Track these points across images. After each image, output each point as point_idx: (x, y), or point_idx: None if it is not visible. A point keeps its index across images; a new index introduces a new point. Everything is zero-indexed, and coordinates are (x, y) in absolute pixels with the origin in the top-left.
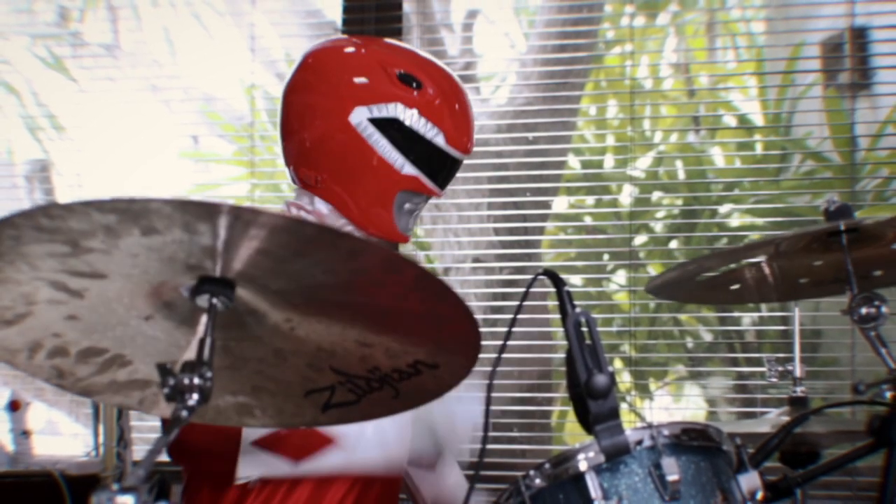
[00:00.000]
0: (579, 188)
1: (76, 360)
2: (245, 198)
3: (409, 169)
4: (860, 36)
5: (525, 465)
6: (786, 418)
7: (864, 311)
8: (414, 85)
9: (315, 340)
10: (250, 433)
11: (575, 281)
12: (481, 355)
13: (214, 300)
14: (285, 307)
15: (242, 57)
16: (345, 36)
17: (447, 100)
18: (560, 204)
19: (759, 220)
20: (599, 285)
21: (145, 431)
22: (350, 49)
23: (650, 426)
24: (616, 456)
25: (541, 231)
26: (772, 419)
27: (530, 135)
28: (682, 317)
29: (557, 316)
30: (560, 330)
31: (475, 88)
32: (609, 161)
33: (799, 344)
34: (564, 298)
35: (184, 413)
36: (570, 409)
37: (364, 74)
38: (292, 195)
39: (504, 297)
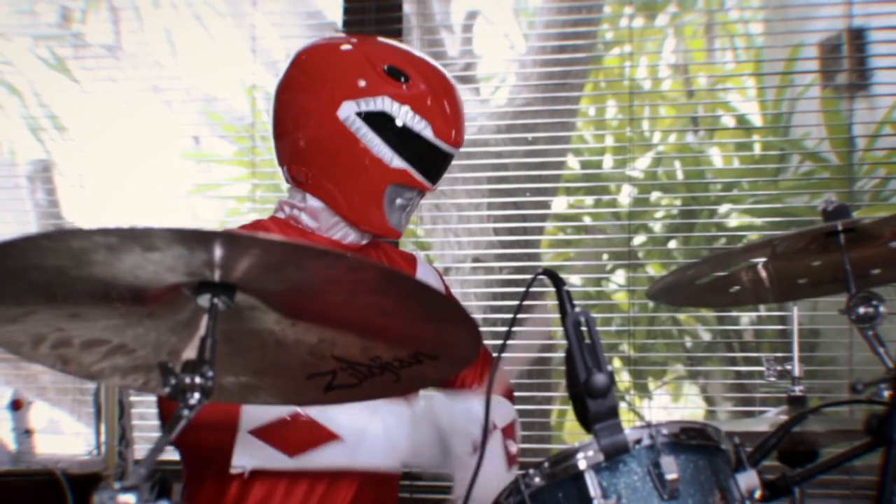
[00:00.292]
0: (578, 188)
1: (80, 349)
2: (246, 198)
3: (398, 162)
4: (858, 37)
5: (524, 464)
6: (784, 417)
7: (861, 310)
8: (402, 79)
9: (316, 333)
10: (248, 421)
11: (574, 281)
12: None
13: (215, 300)
14: (286, 309)
15: (243, 58)
16: (337, 34)
17: (435, 93)
18: (559, 204)
19: (758, 220)
20: (599, 285)
21: (147, 430)
22: (338, 46)
23: (649, 425)
24: (615, 455)
25: (540, 231)
26: (770, 418)
27: (530, 135)
28: (681, 316)
29: (557, 315)
30: (560, 329)
31: (475, 89)
32: (608, 161)
33: (797, 343)
34: (564, 298)
35: (185, 412)
36: (569, 408)
37: (351, 69)
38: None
39: (504, 296)
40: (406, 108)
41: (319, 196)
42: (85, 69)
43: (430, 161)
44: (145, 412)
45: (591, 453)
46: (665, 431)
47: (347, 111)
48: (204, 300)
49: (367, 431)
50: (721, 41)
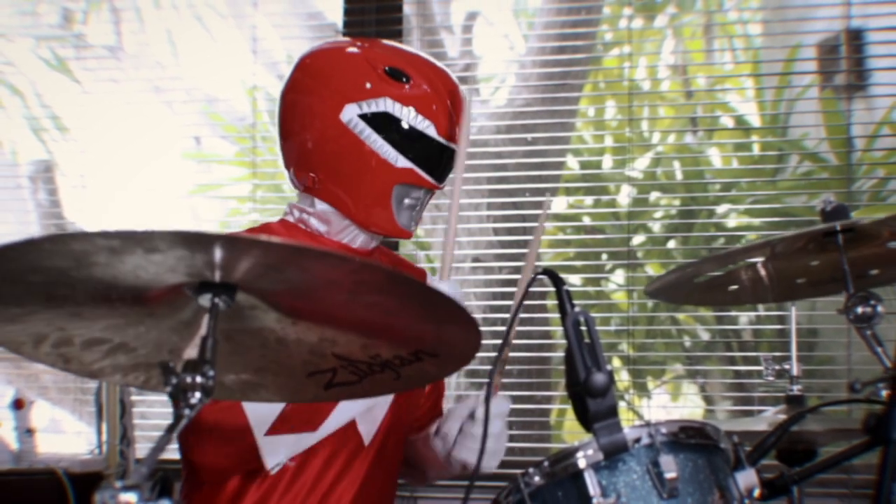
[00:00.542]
0: (578, 188)
1: (81, 348)
2: (247, 198)
3: (403, 162)
4: (856, 37)
5: (524, 463)
6: (783, 416)
7: (860, 310)
8: (403, 79)
9: (317, 332)
10: (259, 425)
11: (574, 280)
12: (481, 353)
13: (216, 300)
14: (287, 308)
15: (244, 59)
16: (341, 38)
17: (437, 92)
18: (559, 204)
19: (756, 221)
20: (598, 285)
21: (148, 429)
22: (341, 50)
23: (648, 424)
24: (614, 454)
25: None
26: (769, 417)
27: (529, 135)
28: (680, 316)
29: (557, 315)
30: (559, 329)
31: (475, 90)
32: (607, 161)
33: (796, 343)
34: (563, 298)
35: (187, 411)
36: (569, 407)
37: (352, 72)
38: (293, 195)
39: (503, 296)
40: (408, 108)
41: (327, 200)
42: (86, 70)
43: (436, 159)
44: (146, 411)
45: (590, 452)
46: (664, 430)
47: (350, 114)
48: (205, 300)
49: None
50: (720, 42)
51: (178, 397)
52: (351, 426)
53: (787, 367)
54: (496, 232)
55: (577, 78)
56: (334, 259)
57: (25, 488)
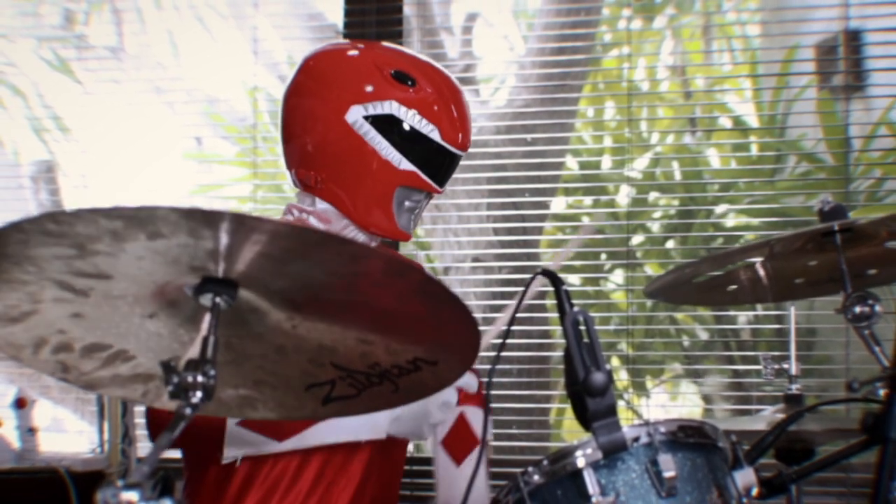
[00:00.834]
0: (577, 189)
1: (80, 355)
2: (247, 198)
3: (406, 165)
4: (854, 39)
5: (524, 462)
6: (781, 416)
7: (858, 309)
8: (409, 83)
9: (316, 338)
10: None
11: (573, 280)
12: (481, 353)
13: (217, 299)
14: (287, 307)
15: (245, 59)
16: (344, 40)
17: (442, 96)
18: (558, 204)
19: (755, 221)
20: (597, 284)
21: None
22: (346, 52)
23: (647, 423)
24: (613, 453)
25: (539, 231)
26: (767, 416)
27: (529, 136)
28: (679, 315)
29: (556, 315)
30: (558, 328)
31: (474, 90)
32: (606, 162)
33: (794, 342)
34: (563, 297)
35: (188, 410)
36: (568, 406)
37: (359, 74)
38: (294, 195)
39: (503, 296)
40: (413, 111)
41: (328, 199)
42: (88, 70)
43: (438, 163)
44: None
45: (589, 451)
46: (663, 429)
47: (355, 115)
48: (206, 299)
49: None
50: (718, 43)
51: (180, 397)
52: None
53: (785, 366)
54: (496, 232)
55: (576, 79)
56: (335, 242)
57: (27, 487)
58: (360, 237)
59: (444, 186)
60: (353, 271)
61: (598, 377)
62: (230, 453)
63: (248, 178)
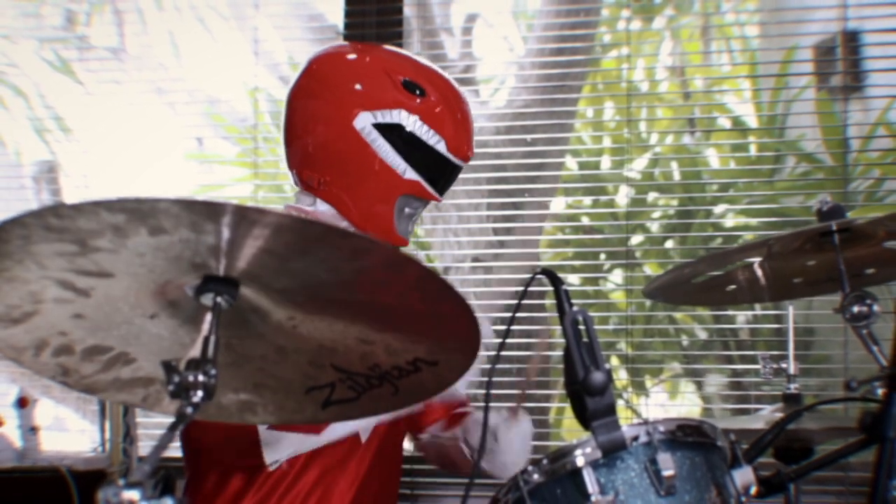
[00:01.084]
0: (577, 189)
1: (81, 357)
2: (248, 198)
3: (410, 174)
4: (852, 39)
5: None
6: (779, 415)
7: (856, 309)
8: (417, 92)
9: (317, 338)
10: None
11: (572, 280)
12: (481, 352)
13: (218, 299)
14: (288, 305)
15: (246, 60)
16: (348, 42)
17: (449, 108)
18: (558, 204)
19: (753, 221)
20: (596, 284)
21: (151, 428)
22: (354, 56)
23: (646, 422)
24: (613, 452)
25: (539, 231)
26: (766, 416)
27: (528, 136)
28: (678, 315)
29: (555, 314)
30: (558, 328)
31: (474, 91)
32: (606, 162)
33: (792, 342)
34: (562, 297)
35: (189, 410)
36: (567, 405)
37: (369, 81)
38: (294, 197)
39: (503, 295)
40: (421, 121)
41: (330, 201)
42: (89, 71)
43: (441, 173)
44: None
45: (588, 450)
46: (662, 428)
47: (364, 121)
48: (207, 299)
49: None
50: (717, 44)
51: (181, 396)
52: None
53: (783, 365)
54: (496, 232)
55: (575, 79)
56: (338, 234)
57: (29, 486)
58: None
59: (444, 195)
60: (353, 268)
61: (597, 376)
62: (271, 457)
63: (248, 179)
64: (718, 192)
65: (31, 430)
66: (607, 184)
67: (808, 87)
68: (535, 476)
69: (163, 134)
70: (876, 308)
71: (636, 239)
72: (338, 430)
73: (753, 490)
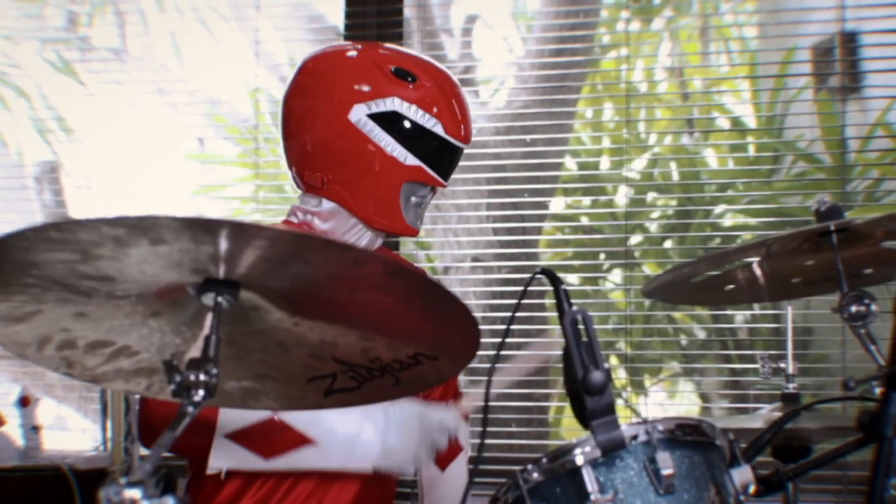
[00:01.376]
0: (576, 189)
1: (84, 351)
2: (249, 199)
3: (411, 160)
4: (850, 40)
5: (523, 460)
6: (778, 414)
7: (854, 309)
8: (409, 79)
9: (317, 334)
10: (225, 425)
11: (572, 280)
12: (481, 352)
13: (219, 299)
14: (288, 306)
15: (247, 61)
16: (342, 42)
17: (442, 91)
18: (557, 204)
19: (752, 221)
20: (596, 284)
21: None
22: (345, 52)
23: (645, 421)
24: (612, 450)
25: (538, 231)
26: (764, 415)
27: (528, 137)
28: (677, 315)
29: (555, 314)
30: (557, 327)
31: (474, 92)
32: (605, 162)
33: (791, 341)
34: (561, 297)
35: (190, 409)
36: (567, 404)
37: (360, 74)
38: (295, 196)
39: (502, 295)
40: (415, 106)
41: (335, 199)
42: (91, 72)
43: (442, 157)
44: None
45: (588, 449)
46: (661, 428)
47: (359, 114)
48: (208, 299)
49: (341, 434)
50: (716, 45)
51: (182, 395)
52: None
53: (782, 365)
54: (495, 232)
55: (575, 80)
56: (337, 248)
57: (31, 485)
58: (367, 237)
59: (448, 180)
60: (354, 274)
61: (596, 376)
62: (215, 464)
63: (249, 179)
64: (717, 193)
65: (32, 430)
66: (606, 184)
67: (807, 88)
68: (535, 475)
69: (164, 134)
70: (874, 308)
71: (635, 239)
72: (287, 462)
73: (752, 489)
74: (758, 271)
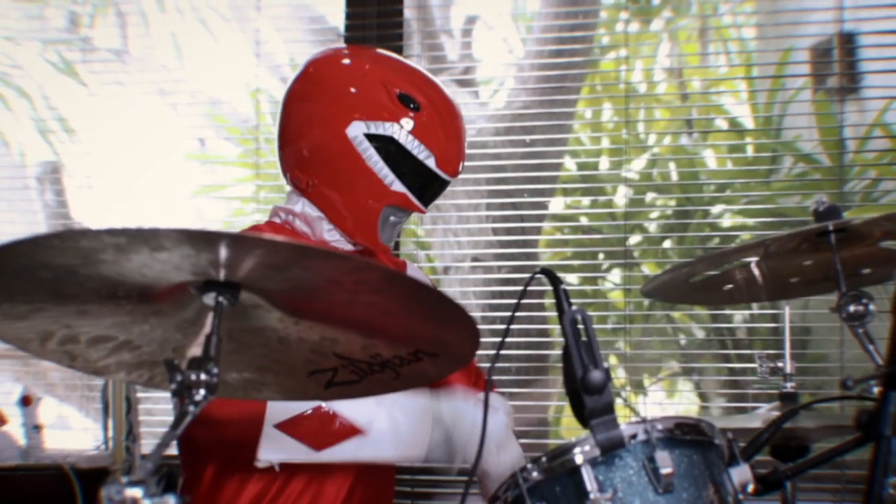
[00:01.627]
0: (575, 189)
1: (87, 345)
2: (250, 199)
3: (397, 186)
4: (848, 41)
5: None
6: (776, 413)
7: (852, 308)
8: (412, 106)
9: (318, 332)
10: (274, 415)
11: (571, 279)
12: (481, 351)
13: (220, 298)
14: (289, 307)
15: (247, 62)
16: (345, 46)
17: (442, 124)
18: (556, 204)
19: (750, 221)
20: (595, 284)
21: (154, 426)
22: (351, 61)
23: (644, 421)
24: (611, 450)
25: (538, 231)
26: (762, 414)
27: (528, 137)
28: (675, 314)
29: (554, 313)
30: (557, 327)
31: (474, 92)
32: (604, 163)
33: (789, 341)
34: (561, 296)
35: (191, 408)
36: (566, 403)
37: (365, 90)
38: None
39: (502, 295)
40: (413, 136)
41: (317, 204)
42: (93, 73)
43: (428, 187)
44: (152, 408)
45: (587, 448)
46: (660, 427)
47: (356, 130)
48: (209, 298)
49: (390, 425)
50: (714, 45)
51: (183, 394)
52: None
53: (780, 364)
54: (495, 232)
55: (574, 81)
56: (336, 259)
57: (33, 483)
58: (345, 244)
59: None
60: (353, 279)
61: (595, 375)
62: (265, 456)
63: (250, 179)
64: (716, 193)
65: (34, 429)
66: (606, 184)
67: (805, 89)
68: (535, 474)
69: (165, 135)
70: (872, 307)
71: (634, 239)
72: (338, 453)
73: (750, 488)
74: (756, 271)
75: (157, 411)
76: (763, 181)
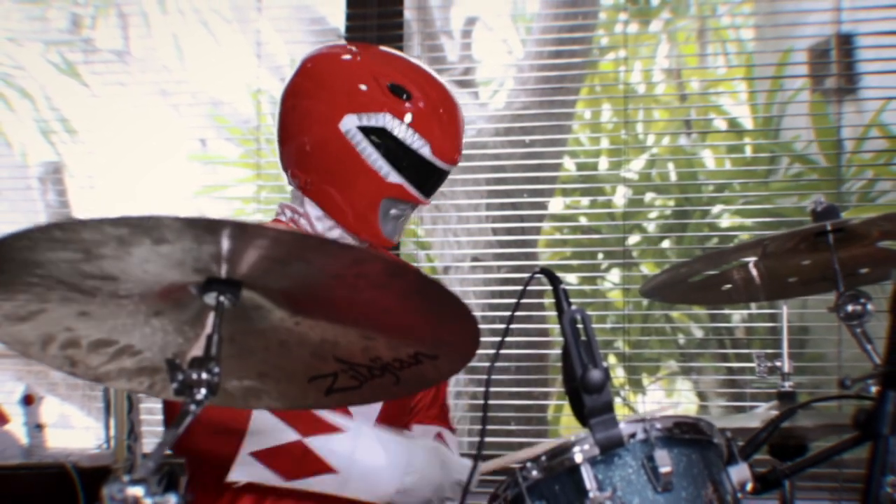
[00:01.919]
0: (574, 189)
1: (87, 350)
2: (251, 199)
3: (394, 177)
4: (846, 42)
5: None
6: (774, 412)
7: (850, 308)
8: (404, 96)
9: (319, 333)
10: (252, 443)
11: (570, 279)
12: (480, 351)
13: (221, 298)
14: (290, 306)
15: (249, 62)
16: (343, 43)
17: (436, 111)
18: (556, 205)
19: (749, 221)
20: (594, 283)
21: (155, 425)
22: (346, 56)
23: (643, 420)
24: (610, 448)
25: (537, 231)
26: (761, 413)
27: (527, 138)
28: (674, 314)
29: (554, 313)
30: (556, 327)
31: (474, 93)
32: (603, 163)
33: (787, 340)
34: (560, 296)
35: (192, 407)
36: (565, 402)
37: (356, 83)
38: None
39: (502, 294)
40: (406, 126)
41: (317, 202)
42: (95, 74)
43: (426, 177)
44: (153, 407)
45: (586, 447)
46: (659, 426)
47: (349, 124)
48: (210, 298)
49: (362, 466)
50: (713, 46)
51: (184, 393)
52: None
53: (778, 363)
54: (495, 232)
55: (573, 81)
56: (336, 248)
57: (35, 482)
58: (349, 240)
59: (431, 197)
60: (353, 273)
61: (595, 374)
62: (235, 476)
63: (251, 179)
64: (714, 193)
65: (36, 428)
66: (605, 184)
67: (803, 90)
68: (534, 472)
69: (167, 135)
70: (870, 307)
71: (633, 239)
72: (305, 485)
73: (749, 486)
74: (754, 271)
75: (158, 410)
76: (761, 181)
